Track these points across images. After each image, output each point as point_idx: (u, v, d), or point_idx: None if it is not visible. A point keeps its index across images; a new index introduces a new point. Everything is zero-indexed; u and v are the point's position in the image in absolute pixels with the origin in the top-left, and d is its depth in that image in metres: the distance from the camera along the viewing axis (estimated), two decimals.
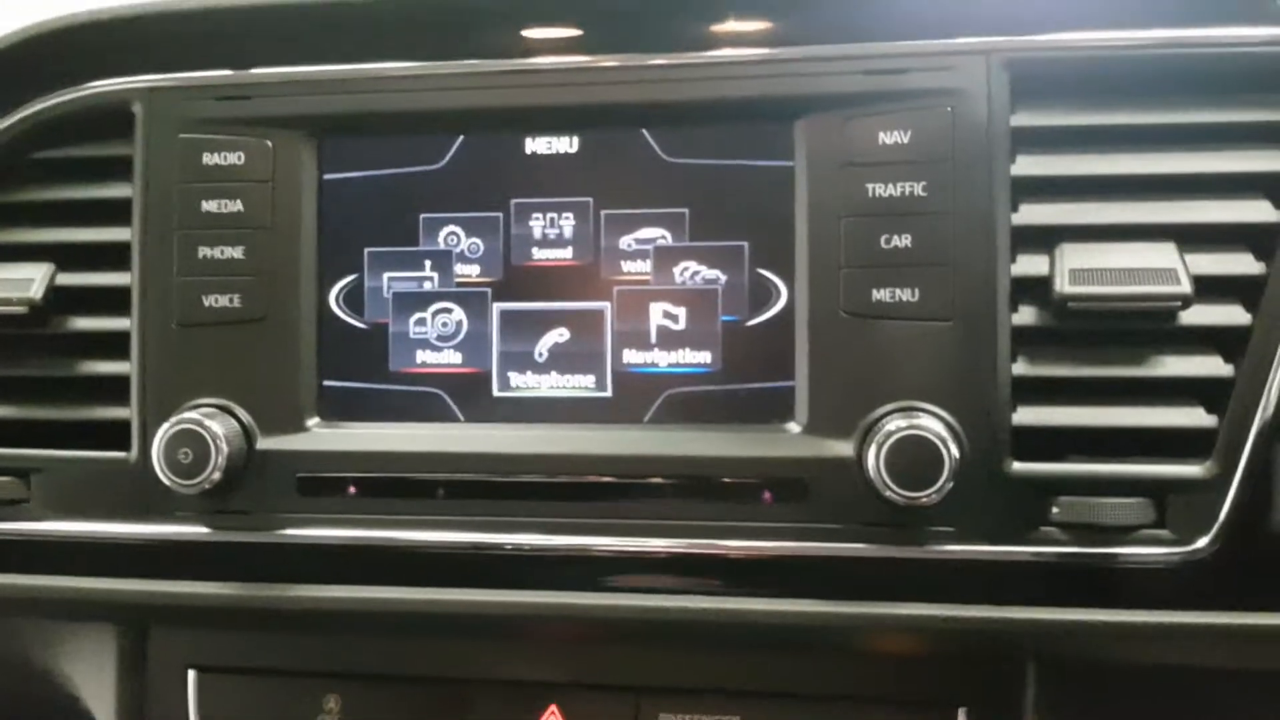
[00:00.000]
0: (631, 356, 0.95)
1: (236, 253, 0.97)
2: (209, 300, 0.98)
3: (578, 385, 0.95)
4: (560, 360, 0.96)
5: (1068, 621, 0.85)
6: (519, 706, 1.01)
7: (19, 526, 1.01)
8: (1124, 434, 0.86)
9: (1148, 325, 0.86)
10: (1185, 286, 0.83)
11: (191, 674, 1.06)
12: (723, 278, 0.93)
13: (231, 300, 0.97)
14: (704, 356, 0.94)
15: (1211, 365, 0.85)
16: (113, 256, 1.01)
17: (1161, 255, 0.85)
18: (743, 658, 0.98)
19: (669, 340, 0.94)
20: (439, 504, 0.94)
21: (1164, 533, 0.85)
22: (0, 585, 1.01)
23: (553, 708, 1.00)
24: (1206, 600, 0.84)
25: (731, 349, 0.93)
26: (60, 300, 1.01)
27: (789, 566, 0.89)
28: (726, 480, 0.90)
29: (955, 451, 0.83)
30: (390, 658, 1.03)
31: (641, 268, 0.95)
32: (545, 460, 0.93)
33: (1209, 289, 0.85)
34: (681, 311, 0.94)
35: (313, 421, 0.97)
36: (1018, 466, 0.87)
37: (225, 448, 0.93)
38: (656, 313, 0.94)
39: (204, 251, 0.98)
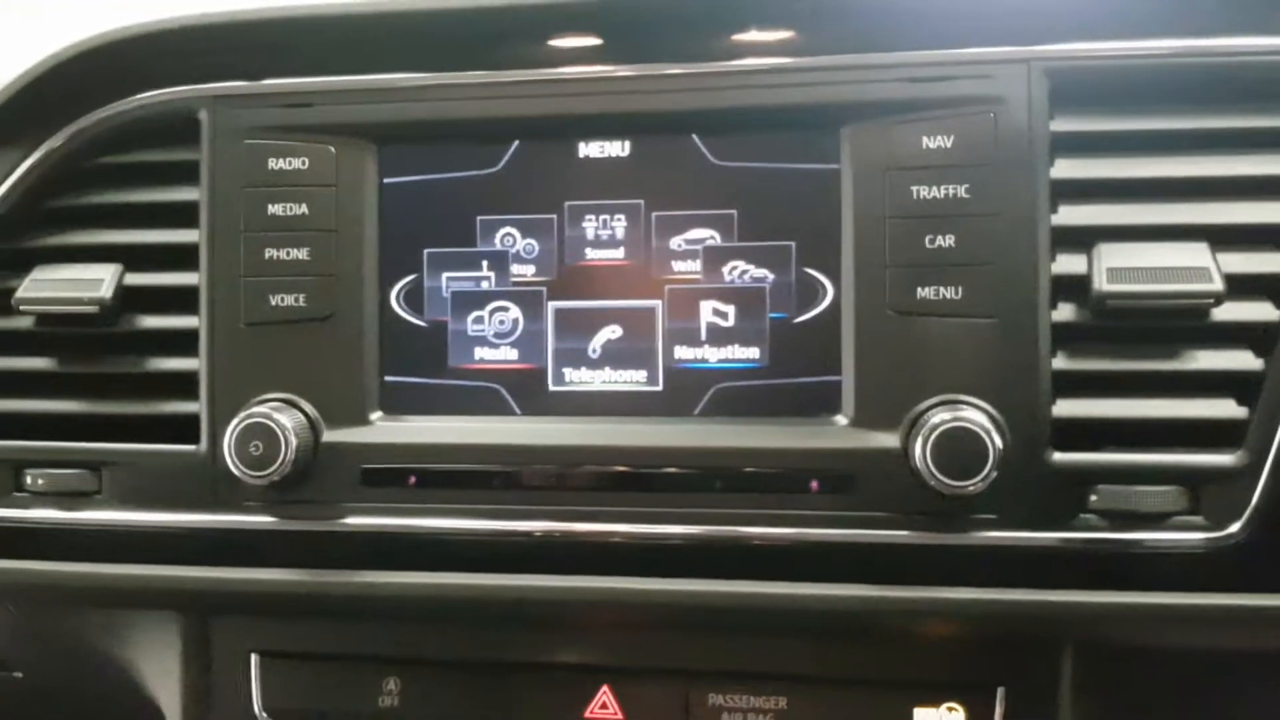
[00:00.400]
0: (682, 353, 0.99)
1: (302, 254, 1.01)
2: (275, 299, 1.01)
3: (630, 380, 0.99)
4: (613, 356, 1.00)
5: (1105, 605, 0.89)
6: (572, 689, 1.05)
7: (90, 516, 1.05)
8: (1160, 425, 0.90)
9: (1182, 322, 0.90)
10: (1218, 284, 0.87)
11: (254, 659, 1.10)
12: (770, 276, 0.97)
13: (297, 299, 1.01)
14: (753, 352, 0.97)
15: (1242, 359, 0.89)
16: (180, 258, 1.04)
17: (1195, 255, 0.89)
18: (789, 643, 1.02)
19: (718, 337, 0.98)
20: (496, 494, 0.98)
21: (1198, 519, 0.89)
22: (72, 574, 1.05)
23: (605, 688, 1.04)
24: (1239, 583, 0.88)
25: (779, 345, 0.97)
26: (129, 300, 1.05)
27: (837, 553, 0.93)
28: (775, 470, 0.94)
29: (999, 442, 0.87)
30: (448, 642, 1.07)
31: (691, 267, 0.98)
32: (599, 452, 0.97)
33: (1240, 287, 0.89)
34: (731, 309, 0.98)
35: (375, 415, 1.01)
36: (1058, 457, 0.90)
37: (294, 440, 0.97)
38: (706, 310, 0.98)
39: (270, 253, 1.02)
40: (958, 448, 0.87)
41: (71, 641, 1.22)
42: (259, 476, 0.97)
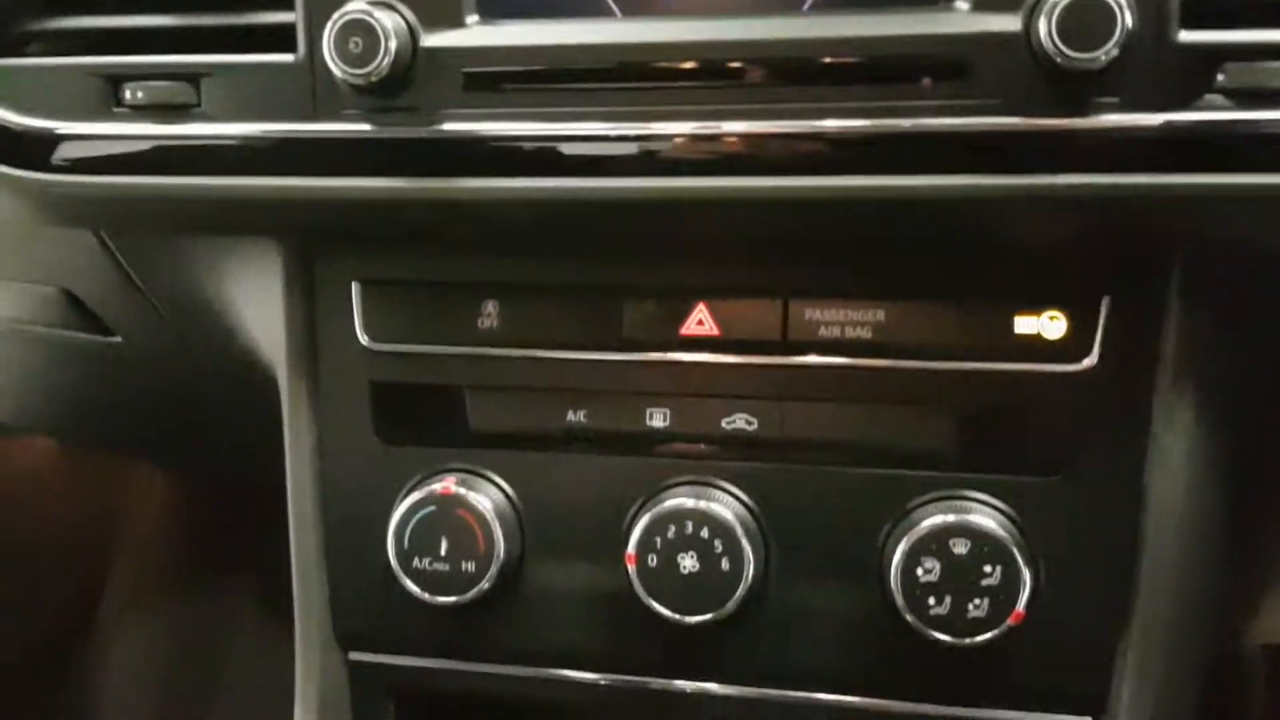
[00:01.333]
0: None
1: None
2: None
3: None
4: None
5: (1225, 184, 0.87)
6: (670, 307, 1.06)
7: (190, 129, 1.05)
8: None
9: None
10: None
11: (355, 287, 1.12)
12: None
13: None
14: None
15: None
16: None
17: None
18: (887, 259, 1.01)
19: None
20: (600, 95, 0.96)
21: None
22: (172, 186, 1.05)
23: (701, 305, 1.05)
24: None
25: None
26: None
27: (950, 143, 0.91)
28: (888, 60, 0.91)
29: (1127, 17, 0.83)
30: (546, 268, 1.08)
31: None
32: (705, 47, 0.95)
33: None
34: None
35: (473, 19, 0.99)
36: (1185, 35, 0.87)
37: (393, 40, 0.95)
38: None
39: None
40: (1084, 19, 0.84)
41: (172, 288, 1.25)
42: (359, 75, 0.96)
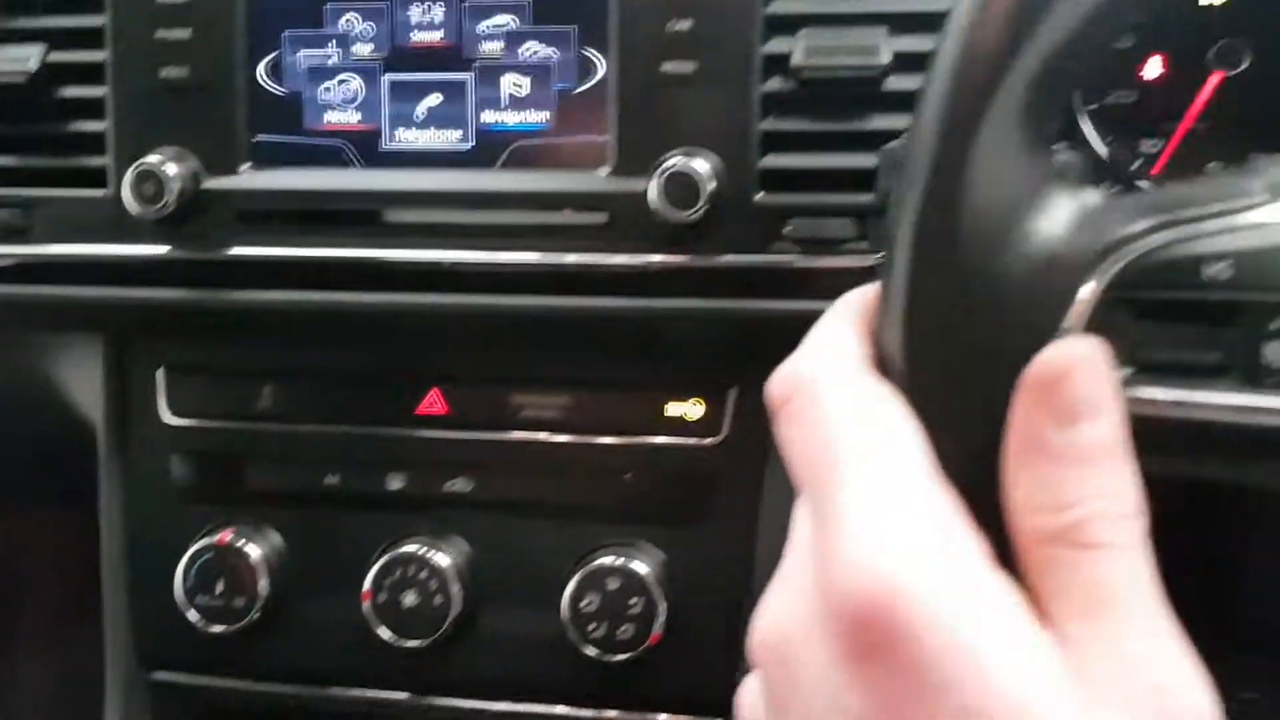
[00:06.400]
0: (488, 117, 1.24)
1: (185, 34, 1.25)
2: (164, 72, 1.26)
3: (447, 140, 1.25)
4: (435, 120, 1.25)
5: (793, 310, 1.16)
6: (406, 391, 1.32)
7: (22, 250, 1.31)
8: (842, 173, 1.16)
9: (859, 90, 1.15)
10: (885, 59, 1.12)
11: (161, 373, 1.38)
12: (557, 55, 1.22)
13: (182, 71, 1.26)
14: (543, 116, 1.23)
15: (902, 121, 1.14)
16: (91, 39, 1.29)
17: (872, 36, 1.13)
18: (575, 354, 1.30)
19: (516, 104, 1.23)
20: (343, 228, 1.24)
21: (864, 244, 1.15)
22: (10, 294, 1.32)
23: (434, 391, 1.32)
24: None
25: (563, 111, 1.22)
26: (52, 74, 1.30)
27: (601, 275, 1.20)
28: (552, 203, 1.21)
29: (712, 184, 1.13)
30: (311, 357, 1.34)
31: (496, 47, 1.23)
32: (423, 196, 1.23)
33: (906, 64, 1.13)
34: (526, 81, 1.23)
35: (246, 167, 1.26)
36: (762, 196, 1.16)
37: (177, 184, 1.22)
38: (507, 83, 1.23)
39: (161, 33, 1.26)
40: (681, 185, 1.13)
41: (16, 367, 1.50)
42: (150, 211, 1.23)
